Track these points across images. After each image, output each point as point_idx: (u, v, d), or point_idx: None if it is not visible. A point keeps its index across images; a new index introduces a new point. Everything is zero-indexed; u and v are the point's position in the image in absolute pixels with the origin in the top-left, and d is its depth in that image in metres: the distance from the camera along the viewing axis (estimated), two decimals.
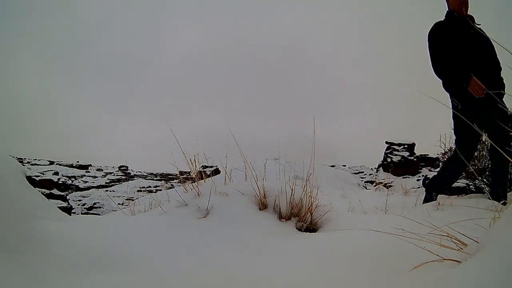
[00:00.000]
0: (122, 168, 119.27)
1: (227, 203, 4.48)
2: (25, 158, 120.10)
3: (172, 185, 76.01)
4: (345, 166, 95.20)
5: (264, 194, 4.55)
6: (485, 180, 8.60)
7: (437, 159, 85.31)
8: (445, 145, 10.18)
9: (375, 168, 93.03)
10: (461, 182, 10.13)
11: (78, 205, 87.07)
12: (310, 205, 4.59)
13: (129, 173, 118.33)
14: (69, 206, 79.59)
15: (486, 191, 7.81)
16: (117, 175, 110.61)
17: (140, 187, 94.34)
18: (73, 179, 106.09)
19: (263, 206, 4.51)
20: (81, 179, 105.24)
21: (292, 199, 4.50)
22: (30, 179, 5.36)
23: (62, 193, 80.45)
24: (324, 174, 15.43)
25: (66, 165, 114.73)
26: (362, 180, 65.27)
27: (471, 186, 9.96)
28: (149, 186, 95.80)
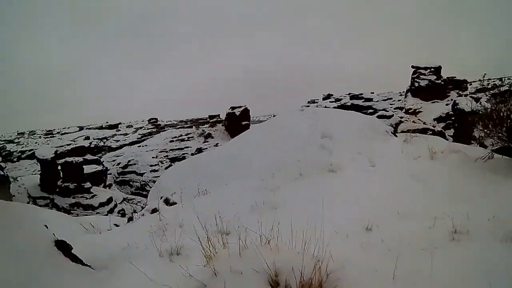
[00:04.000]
0: (152, 120, 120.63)
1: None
2: (54, 129, 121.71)
3: (203, 130, 77.06)
4: (373, 93, 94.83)
5: (276, 273, 4.44)
6: None
7: (464, 81, 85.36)
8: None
9: (403, 92, 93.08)
10: None
11: (113, 165, 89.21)
12: (319, 282, 4.45)
13: (159, 124, 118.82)
14: (104, 168, 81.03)
15: None
16: (147, 129, 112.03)
17: (172, 138, 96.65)
18: (105, 140, 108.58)
19: (275, 284, 4.45)
20: (112, 139, 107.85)
21: (302, 279, 4.40)
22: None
23: (95, 157, 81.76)
24: (348, 126, 15.53)
25: (96, 128, 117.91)
26: (391, 118, 65.00)
27: None
28: (181, 135, 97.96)
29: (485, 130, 11.19)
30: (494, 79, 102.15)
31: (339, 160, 12.57)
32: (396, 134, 17.66)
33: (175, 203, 12.30)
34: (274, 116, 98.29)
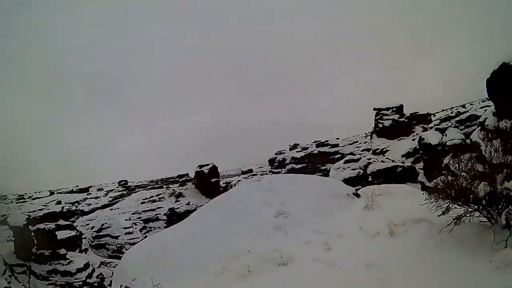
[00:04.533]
0: (122, 182, 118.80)
1: None
2: (25, 194, 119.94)
3: (173, 190, 77.14)
4: (338, 139, 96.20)
5: None
6: None
7: (427, 114, 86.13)
8: None
9: (369, 132, 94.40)
10: None
11: (87, 229, 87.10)
12: None
13: (130, 186, 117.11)
14: (78, 233, 79.97)
15: None
16: (118, 191, 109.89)
17: (143, 199, 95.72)
18: (77, 204, 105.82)
19: None
20: (84, 202, 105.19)
21: None
22: None
23: (69, 222, 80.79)
24: (306, 196, 14.86)
25: (67, 192, 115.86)
26: (352, 181, 64.62)
27: None
28: (152, 196, 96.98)
29: (447, 201, 10.10)
30: (457, 106, 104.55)
31: (293, 246, 11.72)
32: (359, 193, 16.81)
33: None
34: (242, 172, 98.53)
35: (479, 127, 40.93)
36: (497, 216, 9.48)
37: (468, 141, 43.31)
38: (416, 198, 13.36)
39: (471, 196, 9.47)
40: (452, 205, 9.93)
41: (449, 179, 10.66)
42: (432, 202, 10.26)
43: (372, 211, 13.55)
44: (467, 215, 9.90)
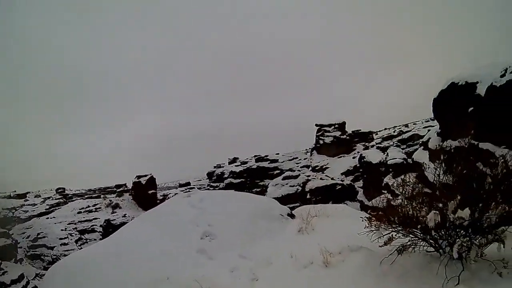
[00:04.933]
0: (60, 190, 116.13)
1: None
2: None
3: (110, 200, 75.50)
4: (278, 154, 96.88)
5: None
6: None
7: (369, 132, 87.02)
8: None
9: (309, 149, 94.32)
10: None
11: (23, 238, 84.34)
12: None
13: (67, 194, 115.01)
14: (13, 242, 77.01)
15: None
16: (55, 199, 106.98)
17: (80, 209, 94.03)
18: (14, 210, 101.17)
19: None
20: (21, 209, 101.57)
21: None
22: None
23: (4, 230, 78.31)
24: (237, 215, 13.77)
25: (4, 197, 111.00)
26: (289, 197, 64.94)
27: None
28: (88, 206, 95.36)
29: (389, 229, 8.79)
30: (400, 125, 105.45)
31: (217, 273, 10.34)
32: (294, 214, 15.47)
33: None
34: (179, 184, 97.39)
35: (422, 147, 40.73)
36: (446, 247, 8.28)
37: (410, 160, 42.99)
38: (354, 221, 12.20)
39: (418, 225, 8.21)
40: (396, 234, 8.66)
41: (392, 204, 9.31)
42: (373, 230, 8.94)
43: (306, 236, 12.34)
44: (412, 245, 8.70)
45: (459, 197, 8.17)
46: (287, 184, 64.72)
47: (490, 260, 7.47)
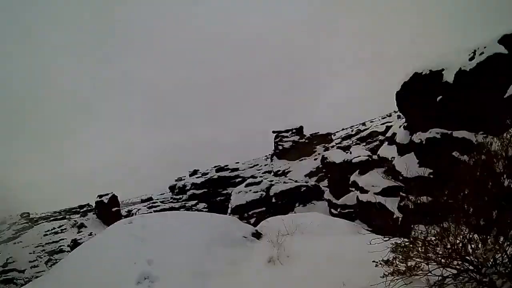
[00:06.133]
0: (24, 215, 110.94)
1: None
2: None
3: (75, 221, 73.37)
4: (238, 162, 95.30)
5: None
6: None
7: (328, 134, 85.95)
8: None
9: (269, 155, 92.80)
10: None
11: None
12: None
13: (33, 218, 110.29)
14: None
15: None
16: (21, 224, 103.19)
17: (45, 231, 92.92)
18: None
19: None
20: None
21: None
22: None
23: None
24: (189, 244, 10.50)
25: None
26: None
27: None
28: (54, 228, 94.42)
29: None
30: (357, 124, 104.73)
31: None
32: (260, 232, 12.21)
33: None
34: (141, 200, 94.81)
35: (387, 142, 38.59)
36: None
37: (375, 157, 41.27)
38: (337, 236, 10.21)
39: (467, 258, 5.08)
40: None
41: (437, 231, 5.83)
42: (396, 278, 5.62)
43: (280, 268, 8.91)
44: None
45: None
46: (250, 190, 62.90)
47: None
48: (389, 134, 39.26)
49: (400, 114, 38.07)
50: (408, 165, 28.27)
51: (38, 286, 10.98)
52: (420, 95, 28.75)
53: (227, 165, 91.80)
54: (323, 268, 7.90)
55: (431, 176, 26.02)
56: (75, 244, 74.86)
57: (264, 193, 61.66)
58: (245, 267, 9.49)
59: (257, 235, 12.24)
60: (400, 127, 34.85)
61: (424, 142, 28.27)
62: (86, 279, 9.33)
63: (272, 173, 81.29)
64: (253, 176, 77.09)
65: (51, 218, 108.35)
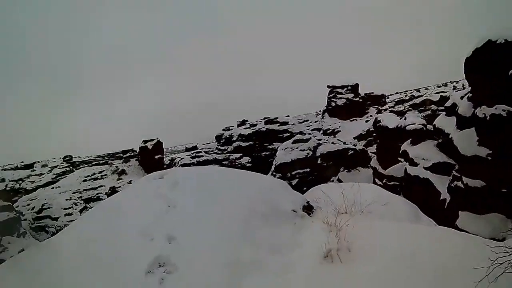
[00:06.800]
0: (67, 158, 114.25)
1: None
2: None
3: (117, 167, 72.34)
4: (288, 116, 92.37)
5: None
6: None
7: (382, 95, 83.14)
8: None
9: (320, 111, 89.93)
10: None
11: (28, 210, 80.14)
12: None
13: (75, 162, 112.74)
14: (16, 215, 72.91)
15: None
16: (62, 167, 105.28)
17: (85, 177, 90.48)
18: (20, 181, 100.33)
19: None
20: (28, 180, 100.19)
21: None
22: None
23: (8, 203, 75.38)
24: (223, 214, 8.32)
25: (12, 169, 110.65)
26: (308, 137, 61.36)
27: None
28: (94, 174, 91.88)
29: None
30: (412, 90, 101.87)
31: None
32: (311, 206, 9.73)
33: None
34: (186, 148, 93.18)
35: (445, 113, 35.74)
36: None
37: (430, 127, 38.48)
38: (403, 224, 8.21)
39: None
40: None
41: None
42: None
43: (340, 269, 6.56)
44: None
45: None
46: (297, 148, 60.54)
47: None
48: (448, 104, 35.69)
49: (456, 85, 35.79)
50: (467, 141, 26.57)
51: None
52: (491, 65, 25.80)
53: (276, 118, 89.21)
54: (400, 277, 5.86)
55: (489, 158, 24.51)
56: (113, 191, 74.38)
57: (310, 152, 59.50)
58: (294, 261, 7.15)
59: (309, 209, 9.94)
60: (462, 98, 31.88)
61: (488, 118, 25.56)
62: (85, 257, 7.32)
63: (321, 131, 78.96)
64: (301, 133, 74.95)
65: (93, 163, 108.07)
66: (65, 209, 79.33)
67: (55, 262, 7.51)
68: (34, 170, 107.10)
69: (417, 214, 11.32)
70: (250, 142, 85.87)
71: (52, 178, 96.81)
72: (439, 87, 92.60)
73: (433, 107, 69.42)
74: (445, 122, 34.24)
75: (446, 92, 75.89)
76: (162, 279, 6.65)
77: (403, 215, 10.33)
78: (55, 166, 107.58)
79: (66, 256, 7.59)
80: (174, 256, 7.05)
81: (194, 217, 8.34)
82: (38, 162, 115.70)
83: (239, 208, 8.77)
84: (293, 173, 57.64)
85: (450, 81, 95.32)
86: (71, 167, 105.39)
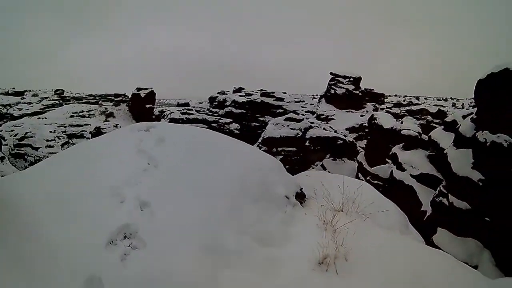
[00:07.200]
0: (58, 92, 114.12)
1: None
2: None
3: (106, 108, 72.33)
4: (285, 93, 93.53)
5: None
6: None
7: (382, 94, 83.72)
8: None
9: (317, 96, 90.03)
10: None
11: (11, 135, 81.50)
12: None
13: (65, 97, 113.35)
14: None
15: None
16: (52, 100, 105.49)
17: (73, 112, 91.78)
18: (8, 107, 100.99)
19: None
20: (16, 106, 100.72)
21: None
22: None
23: None
24: (207, 186, 6.95)
25: (2, 93, 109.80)
26: (302, 116, 61.20)
27: None
28: (82, 111, 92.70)
29: None
30: (411, 96, 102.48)
31: None
32: (304, 194, 8.53)
33: None
34: (177, 103, 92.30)
35: (443, 126, 35.62)
36: None
37: (424, 136, 38.59)
38: (396, 235, 7.61)
39: None
40: None
41: None
42: None
43: (335, 281, 5.56)
44: None
45: None
46: (288, 126, 61.21)
47: None
48: (448, 119, 36.08)
49: (455, 103, 35.53)
50: (462, 161, 26.42)
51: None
52: (502, 93, 25.28)
53: (273, 92, 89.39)
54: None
55: (480, 184, 24.20)
56: (97, 132, 75.45)
57: (300, 133, 60.16)
58: (283, 260, 6.01)
59: (301, 197, 8.77)
60: (465, 117, 31.49)
61: (488, 144, 25.05)
62: (46, 207, 5.99)
63: (315, 115, 79.44)
64: (295, 112, 74.98)
65: (83, 101, 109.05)
66: (47, 140, 79.68)
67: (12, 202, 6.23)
68: (24, 98, 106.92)
69: (407, 225, 10.63)
70: (243, 110, 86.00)
71: (40, 109, 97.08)
72: (438, 100, 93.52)
73: (429, 118, 70.11)
74: (441, 136, 34.55)
75: (445, 107, 76.90)
76: (124, 254, 5.38)
77: (395, 223, 9.46)
78: (45, 98, 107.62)
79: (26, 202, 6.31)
80: (144, 227, 5.78)
81: (175, 182, 7.03)
82: (30, 91, 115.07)
83: (229, 182, 7.51)
84: (279, 149, 58.26)
85: (451, 97, 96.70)
86: (60, 101, 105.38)
